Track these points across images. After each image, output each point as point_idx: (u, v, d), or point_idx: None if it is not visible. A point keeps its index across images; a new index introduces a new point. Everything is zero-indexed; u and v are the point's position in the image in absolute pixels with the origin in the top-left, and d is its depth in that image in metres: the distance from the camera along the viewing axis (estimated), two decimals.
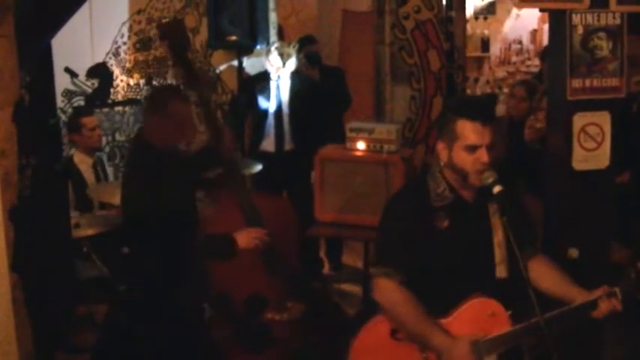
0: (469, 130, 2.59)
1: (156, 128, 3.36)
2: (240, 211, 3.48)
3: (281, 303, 3.44)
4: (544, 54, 6.33)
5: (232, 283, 3.38)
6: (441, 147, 2.70)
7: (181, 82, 3.53)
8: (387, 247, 2.78)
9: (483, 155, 2.58)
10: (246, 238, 3.39)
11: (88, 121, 5.12)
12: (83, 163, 5.08)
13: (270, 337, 3.37)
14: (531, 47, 9.46)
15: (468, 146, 2.59)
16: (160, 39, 3.58)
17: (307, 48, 5.78)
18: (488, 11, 9.56)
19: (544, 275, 2.71)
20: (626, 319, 2.68)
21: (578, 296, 2.59)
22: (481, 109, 2.65)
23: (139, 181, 3.35)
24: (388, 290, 2.67)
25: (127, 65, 6.19)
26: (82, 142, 5.09)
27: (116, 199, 4.61)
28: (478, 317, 2.59)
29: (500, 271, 2.68)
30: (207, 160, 3.69)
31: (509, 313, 2.60)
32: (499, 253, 2.68)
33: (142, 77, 6.24)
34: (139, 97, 6.24)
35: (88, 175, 5.09)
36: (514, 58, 9.58)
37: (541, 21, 8.97)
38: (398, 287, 2.65)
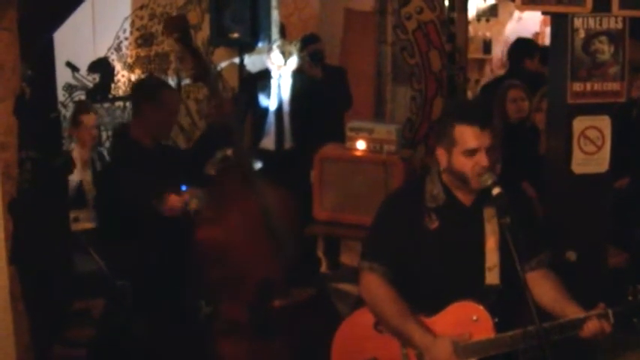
0: (467, 135, 2.57)
1: (150, 119, 3.42)
2: (252, 201, 3.47)
3: (286, 289, 3.45)
4: (511, 53, 6.12)
5: (245, 269, 3.38)
6: (440, 153, 2.68)
7: (190, 74, 3.54)
8: (374, 243, 2.78)
9: (483, 159, 2.56)
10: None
11: (87, 119, 5.09)
12: (81, 158, 5.04)
13: (281, 324, 3.37)
14: None
15: (467, 150, 2.57)
16: (168, 33, 3.59)
17: (311, 46, 5.77)
18: (490, 13, 9.55)
19: (543, 290, 2.61)
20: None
21: (573, 315, 2.50)
22: (478, 113, 2.63)
23: (123, 178, 3.37)
24: (372, 285, 2.68)
25: (129, 60, 6.19)
26: (79, 138, 5.09)
27: None
28: (462, 320, 2.56)
29: (491, 278, 2.63)
30: (207, 150, 3.72)
31: (495, 320, 2.54)
32: (491, 259, 2.64)
33: (143, 73, 6.24)
34: None
35: (85, 171, 5.04)
36: None
37: (543, 24, 8.94)
38: (382, 282, 2.66)
